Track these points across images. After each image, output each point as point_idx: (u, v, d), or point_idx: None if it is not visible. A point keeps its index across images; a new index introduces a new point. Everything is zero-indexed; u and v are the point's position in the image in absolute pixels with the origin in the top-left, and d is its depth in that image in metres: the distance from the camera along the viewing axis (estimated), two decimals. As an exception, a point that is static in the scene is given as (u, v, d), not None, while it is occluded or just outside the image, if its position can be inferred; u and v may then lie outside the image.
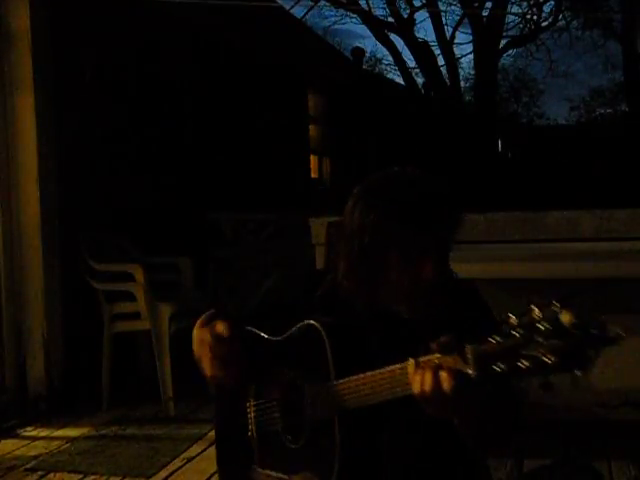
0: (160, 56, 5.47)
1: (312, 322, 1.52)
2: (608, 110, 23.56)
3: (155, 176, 5.31)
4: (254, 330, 1.65)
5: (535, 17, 19.97)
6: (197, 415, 4.03)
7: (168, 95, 5.60)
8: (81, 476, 3.29)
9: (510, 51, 21.86)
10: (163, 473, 3.29)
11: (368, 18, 18.95)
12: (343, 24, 32.15)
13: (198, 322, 1.56)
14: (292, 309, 1.66)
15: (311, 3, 10.71)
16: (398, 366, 1.36)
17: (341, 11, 20.28)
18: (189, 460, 3.39)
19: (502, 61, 21.90)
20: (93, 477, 3.28)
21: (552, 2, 19.68)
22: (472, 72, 21.12)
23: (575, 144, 16.35)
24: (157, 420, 4.01)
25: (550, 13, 19.91)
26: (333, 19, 25.33)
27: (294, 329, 1.57)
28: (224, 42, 6.66)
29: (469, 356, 1.25)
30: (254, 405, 1.63)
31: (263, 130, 7.50)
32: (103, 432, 3.87)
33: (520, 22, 20.53)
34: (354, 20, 20.52)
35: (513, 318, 1.24)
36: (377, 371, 1.39)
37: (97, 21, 4.77)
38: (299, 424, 1.54)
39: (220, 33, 6.56)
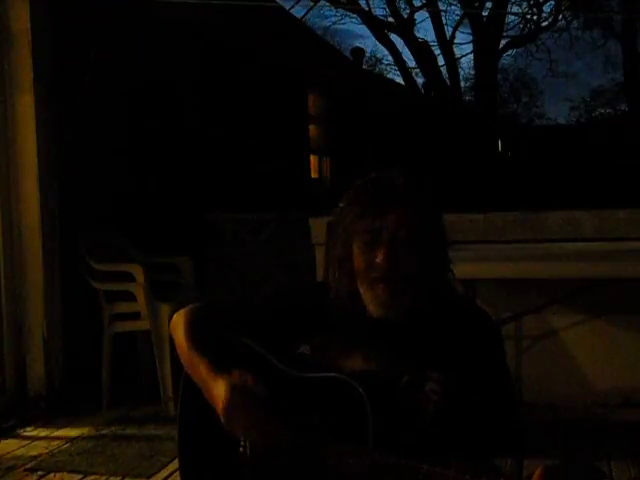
0: (160, 56, 5.46)
1: (357, 387, 1.46)
2: (608, 110, 23.58)
3: (155, 176, 5.31)
4: (263, 353, 1.62)
5: (535, 17, 20.00)
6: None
7: (168, 95, 5.60)
8: (81, 476, 3.29)
9: (510, 51, 21.90)
10: (163, 473, 3.29)
11: (368, 18, 18.96)
12: (343, 24, 32.17)
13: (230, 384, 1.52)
14: (292, 326, 1.66)
15: (311, 3, 10.72)
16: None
17: (341, 11, 20.30)
18: (189, 460, 3.38)
19: (502, 61, 21.94)
20: (93, 477, 3.28)
21: (552, 2, 19.70)
22: (472, 72, 21.14)
23: (575, 144, 16.33)
24: (157, 420, 4.00)
25: (550, 13, 19.95)
26: (333, 19, 25.37)
27: (325, 376, 1.52)
28: (224, 42, 6.65)
29: None
30: None
31: (263, 130, 7.50)
32: (103, 432, 3.86)
33: (520, 22, 20.57)
34: (354, 20, 20.55)
35: None
36: (445, 471, 1.36)
37: (97, 21, 4.77)
38: (313, 470, 1.50)
39: (220, 33, 6.56)
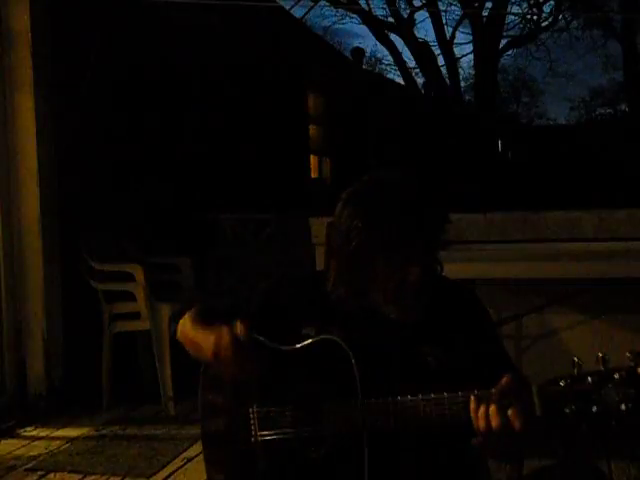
0: (159, 56, 5.46)
1: (337, 339, 1.52)
2: (608, 110, 23.59)
3: (155, 176, 5.31)
4: (258, 337, 1.62)
5: (535, 17, 19.98)
6: (197, 415, 4.01)
7: (168, 95, 5.60)
8: (81, 476, 3.29)
9: (510, 51, 21.87)
10: (163, 473, 3.29)
11: (368, 18, 18.95)
12: (343, 24, 32.15)
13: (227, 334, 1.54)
14: (292, 312, 1.67)
15: (311, 3, 10.70)
16: (459, 395, 1.41)
17: (341, 11, 20.29)
18: (189, 460, 3.39)
19: (502, 61, 21.92)
20: (93, 477, 3.28)
21: (552, 2, 19.69)
22: (472, 72, 21.14)
23: (575, 144, 16.32)
24: (157, 420, 4.01)
25: (550, 13, 19.92)
26: (333, 19, 25.35)
27: (311, 341, 1.56)
28: (224, 42, 6.65)
29: (535, 399, 1.32)
30: (257, 411, 1.60)
31: (263, 130, 7.50)
32: (103, 432, 3.87)
33: (520, 22, 20.54)
34: (354, 20, 20.54)
35: (581, 365, 1.33)
36: (427, 396, 1.43)
37: (97, 21, 4.76)
38: (317, 436, 1.54)
39: (220, 33, 6.55)
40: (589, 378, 1.30)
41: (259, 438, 1.60)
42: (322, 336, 1.54)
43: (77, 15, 4.57)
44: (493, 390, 1.38)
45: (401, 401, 1.45)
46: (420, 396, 1.44)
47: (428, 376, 1.54)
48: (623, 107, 21.65)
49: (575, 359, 1.32)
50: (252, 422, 1.61)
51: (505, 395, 1.36)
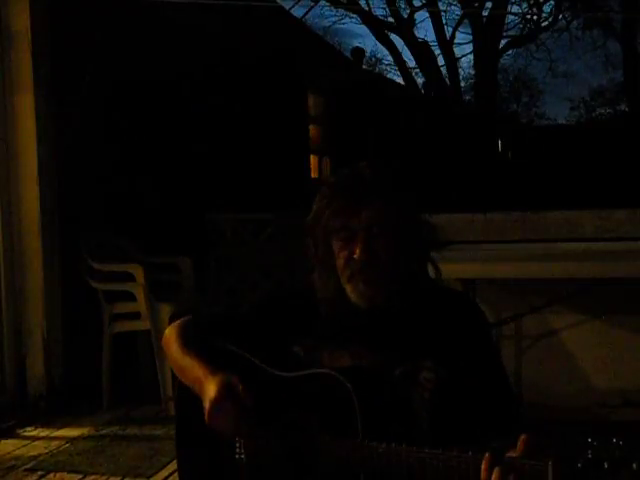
0: (159, 56, 5.46)
1: (336, 375, 1.47)
2: (608, 110, 23.58)
3: (155, 176, 5.31)
4: (253, 359, 1.62)
5: (535, 17, 19.97)
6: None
7: (168, 95, 5.59)
8: (81, 476, 3.29)
9: (510, 51, 21.86)
10: (163, 473, 3.29)
11: (368, 18, 18.95)
12: (343, 24, 32.11)
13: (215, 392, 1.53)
14: (283, 327, 1.67)
15: (311, 3, 10.71)
16: (470, 455, 1.33)
17: (341, 11, 20.27)
18: (189, 460, 3.38)
19: (502, 61, 21.91)
20: (93, 477, 3.28)
21: (552, 2, 19.69)
22: (472, 72, 21.14)
23: (575, 144, 16.31)
24: (157, 420, 4.01)
25: (550, 13, 19.91)
26: (333, 19, 25.29)
27: (309, 372, 1.54)
28: (224, 42, 6.65)
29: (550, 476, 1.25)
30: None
31: (263, 130, 7.50)
32: (103, 432, 3.87)
33: (520, 22, 20.54)
34: (354, 20, 20.52)
35: (595, 446, 1.26)
36: (434, 451, 1.35)
37: (97, 21, 4.76)
38: (306, 467, 1.50)
39: (219, 33, 6.55)
40: (605, 464, 1.23)
41: (243, 459, 1.57)
42: (320, 369, 1.52)
43: (77, 15, 4.57)
44: (511, 454, 1.30)
45: (405, 450, 1.38)
46: (426, 450, 1.36)
47: (425, 406, 1.52)
48: (623, 107, 21.65)
49: (589, 440, 1.27)
50: (238, 446, 1.58)
51: (527, 456, 1.28)
